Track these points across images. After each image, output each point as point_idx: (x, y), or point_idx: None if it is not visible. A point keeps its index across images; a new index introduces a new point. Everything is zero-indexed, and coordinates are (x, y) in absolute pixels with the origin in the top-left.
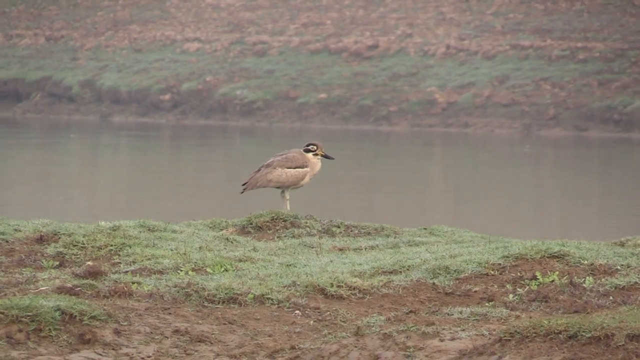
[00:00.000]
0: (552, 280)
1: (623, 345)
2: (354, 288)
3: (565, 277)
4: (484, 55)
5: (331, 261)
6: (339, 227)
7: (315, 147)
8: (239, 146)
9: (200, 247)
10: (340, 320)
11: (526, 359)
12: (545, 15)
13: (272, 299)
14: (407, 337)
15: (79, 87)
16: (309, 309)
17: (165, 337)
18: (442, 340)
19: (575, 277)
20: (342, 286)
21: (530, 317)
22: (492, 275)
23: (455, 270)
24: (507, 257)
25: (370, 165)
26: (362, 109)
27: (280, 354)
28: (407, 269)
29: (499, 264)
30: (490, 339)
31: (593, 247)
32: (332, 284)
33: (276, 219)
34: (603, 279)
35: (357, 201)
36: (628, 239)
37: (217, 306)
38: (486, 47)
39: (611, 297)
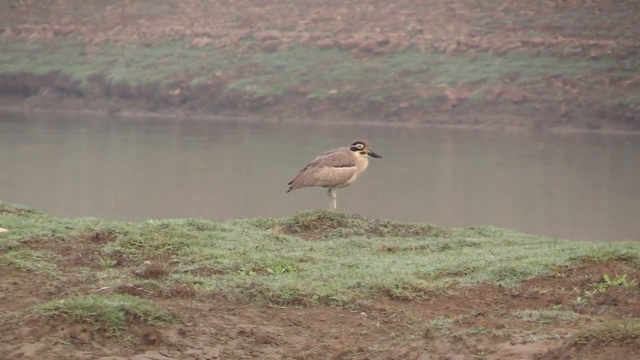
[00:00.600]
0: (621, 283)
1: None
2: (420, 290)
3: (633, 280)
4: (494, 51)
5: (394, 262)
6: (386, 226)
7: (362, 146)
8: (261, 142)
9: (257, 247)
10: (407, 323)
11: None
12: (556, 12)
13: (337, 301)
14: (478, 340)
15: (88, 82)
16: (374, 311)
17: (231, 338)
18: (513, 344)
19: None
20: (408, 288)
21: (601, 321)
22: (559, 277)
23: (521, 273)
24: (573, 259)
25: (399, 162)
26: (373, 105)
27: (348, 356)
28: (472, 271)
29: (566, 267)
30: (564, 342)
31: None
32: (397, 285)
33: (323, 218)
34: None
35: (391, 199)
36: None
37: (282, 307)
38: (497, 43)
39: None
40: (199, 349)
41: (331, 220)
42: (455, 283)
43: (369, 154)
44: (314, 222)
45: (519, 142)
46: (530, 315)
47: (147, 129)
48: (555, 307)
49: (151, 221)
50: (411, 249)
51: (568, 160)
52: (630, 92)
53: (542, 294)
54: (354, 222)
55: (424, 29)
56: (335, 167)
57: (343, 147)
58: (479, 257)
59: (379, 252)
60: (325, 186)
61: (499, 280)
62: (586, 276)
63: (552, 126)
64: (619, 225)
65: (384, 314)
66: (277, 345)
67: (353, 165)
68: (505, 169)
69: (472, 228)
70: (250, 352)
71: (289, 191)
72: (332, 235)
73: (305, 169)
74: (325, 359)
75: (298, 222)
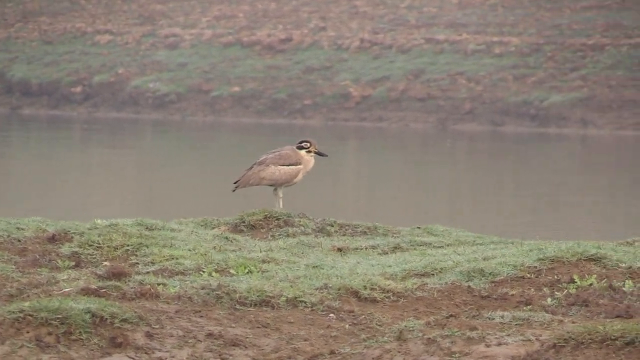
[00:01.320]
0: (591, 284)
1: None
2: (388, 291)
3: (604, 281)
4: (398, 49)
5: (358, 263)
6: (332, 225)
7: (308, 144)
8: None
9: (215, 248)
10: (376, 324)
11: None
12: (460, 9)
13: (305, 302)
14: (452, 342)
15: None
16: (343, 313)
17: (199, 340)
18: (488, 346)
19: (614, 280)
20: (376, 289)
21: (574, 322)
22: (528, 278)
23: (490, 273)
24: (542, 260)
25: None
26: (276, 103)
27: (319, 359)
28: (440, 272)
29: (535, 267)
30: (541, 344)
31: (630, 249)
32: (365, 286)
33: (269, 218)
34: None
35: (298, 196)
36: (635, 239)
37: (250, 309)
38: (401, 40)
39: None
40: (166, 351)
41: (277, 219)
42: (424, 284)
43: (315, 152)
44: (260, 222)
45: (423, 139)
46: (502, 317)
47: (48, 126)
48: (525, 308)
49: (99, 221)
50: (361, 248)
51: (475, 158)
52: (534, 90)
53: (512, 294)
54: (300, 221)
55: (327, 26)
56: (281, 165)
57: (289, 145)
58: (445, 257)
59: (334, 253)
60: (271, 185)
61: (467, 281)
62: (555, 277)
63: (456, 123)
64: (528, 221)
65: (353, 316)
66: (246, 347)
67: (299, 164)
68: (414, 166)
69: (418, 227)
70: (219, 355)
71: (234, 190)
72: (279, 235)
73: (251, 167)
74: None
75: (244, 222)
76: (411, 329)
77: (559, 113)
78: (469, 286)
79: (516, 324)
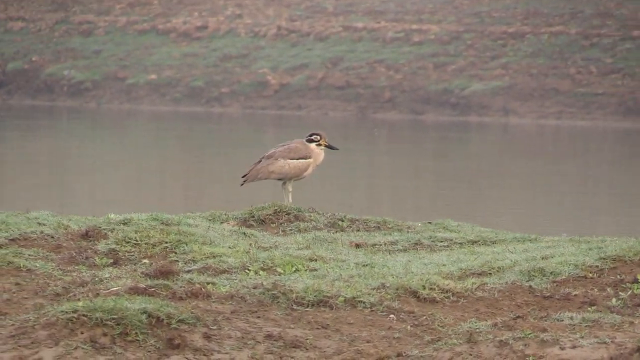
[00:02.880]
0: None
1: None
2: (447, 291)
3: None
4: (316, 36)
5: (410, 261)
6: (343, 220)
7: (318, 137)
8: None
9: (250, 245)
10: (439, 325)
11: None
12: None
13: (364, 302)
14: (525, 344)
15: None
16: (403, 313)
17: (258, 342)
18: (562, 349)
19: None
20: (435, 289)
21: (634, 323)
22: (591, 278)
23: (551, 273)
24: (604, 259)
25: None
26: (193, 91)
27: None
28: (498, 271)
29: (597, 266)
30: (624, 347)
31: None
32: (424, 286)
33: (279, 212)
34: None
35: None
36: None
37: (307, 309)
38: (318, 28)
39: None
40: (225, 353)
41: (288, 214)
42: (483, 284)
43: (325, 146)
44: (270, 217)
45: (343, 128)
46: (571, 318)
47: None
48: (590, 309)
49: (112, 215)
50: (380, 244)
51: (398, 146)
52: (454, 78)
53: (575, 295)
54: (311, 216)
55: (243, 14)
56: (290, 159)
57: (299, 139)
58: (501, 256)
59: (354, 248)
60: (280, 179)
61: (528, 281)
62: (618, 276)
63: (377, 112)
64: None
65: (414, 317)
66: (307, 349)
67: (309, 157)
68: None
69: (429, 222)
70: (280, 357)
71: (242, 184)
72: (291, 230)
73: (259, 161)
74: None
75: (253, 217)
76: (479, 330)
77: (480, 102)
78: (530, 286)
79: (586, 326)
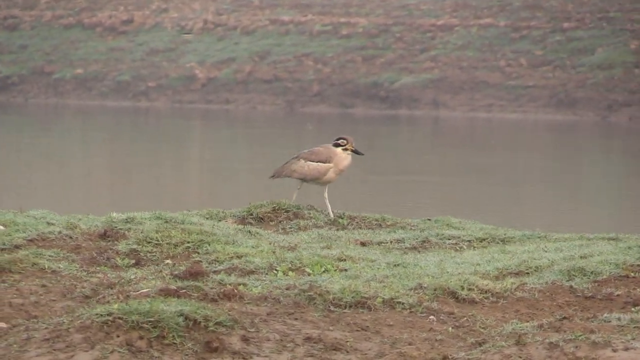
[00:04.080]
0: None
1: None
2: (486, 291)
3: None
4: (243, 30)
5: (442, 260)
6: (342, 217)
7: (345, 142)
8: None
9: (271, 243)
10: (480, 327)
11: None
12: None
13: (402, 303)
14: (576, 347)
15: None
16: (443, 314)
17: (297, 345)
18: (615, 351)
19: None
20: (474, 289)
21: None
22: (633, 277)
23: (592, 272)
24: None
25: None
26: (120, 85)
27: None
28: (536, 270)
29: (639, 266)
30: None
31: None
32: (462, 286)
33: (278, 210)
34: None
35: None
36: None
37: (345, 311)
38: (245, 22)
39: None
40: (265, 356)
41: (287, 212)
42: (523, 284)
43: (352, 150)
44: (268, 214)
45: (271, 122)
46: (619, 319)
47: None
48: (633, 309)
49: (114, 214)
50: (386, 242)
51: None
52: (383, 71)
53: (618, 295)
54: (310, 213)
55: (169, 8)
56: (310, 161)
57: (327, 143)
58: (537, 255)
59: (359, 247)
60: (301, 179)
61: (568, 281)
62: None
63: (305, 106)
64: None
65: (454, 318)
66: (348, 352)
67: (329, 162)
68: (260, 147)
69: (429, 219)
70: None
71: (271, 177)
72: (291, 228)
73: (289, 160)
74: None
75: (252, 214)
76: (526, 332)
77: (410, 95)
78: (570, 286)
79: (635, 327)
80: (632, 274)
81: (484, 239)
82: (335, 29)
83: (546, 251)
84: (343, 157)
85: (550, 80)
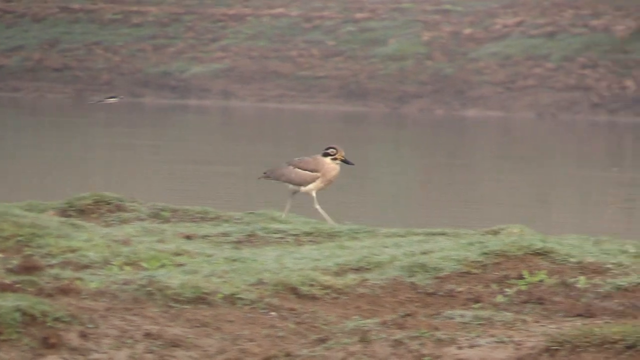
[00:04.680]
0: (541, 280)
1: None
2: (328, 287)
3: (555, 277)
4: (32, 17)
5: (281, 255)
6: (165, 210)
7: (334, 151)
8: None
9: (104, 236)
10: (321, 323)
11: None
12: None
13: (243, 299)
14: (421, 344)
15: None
16: (284, 310)
17: (137, 341)
18: (460, 348)
19: (566, 276)
20: (315, 285)
21: (537, 322)
22: (474, 274)
23: (433, 268)
24: (487, 254)
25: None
26: None
27: None
28: (377, 266)
29: (480, 262)
30: (532, 348)
31: (577, 243)
32: (303, 282)
33: (99, 202)
34: (596, 279)
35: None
36: (501, 227)
37: (185, 306)
38: (35, 9)
39: (616, 300)
40: (103, 353)
41: (108, 204)
42: (364, 280)
43: (341, 160)
44: (90, 207)
45: (59, 110)
46: (462, 316)
47: None
48: (475, 306)
49: None
50: (211, 236)
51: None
52: (173, 61)
53: (459, 291)
54: (132, 206)
55: None
56: (299, 169)
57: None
58: (378, 250)
59: (184, 240)
60: (289, 184)
61: (410, 277)
62: (503, 272)
63: (94, 95)
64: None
65: (295, 314)
66: (188, 348)
67: (317, 171)
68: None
69: (252, 212)
70: (161, 357)
71: (259, 178)
72: (112, 220)
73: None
74: None
75: (73, 207)
76: (367, 328)
77: (200, 84)
78: (412, 282)
79: (479, 324)
80: (474, 271)
81: (311, 233)
82: (125, 18)
83: (386, 247)
84: (332, 167)
85: (341, 71)
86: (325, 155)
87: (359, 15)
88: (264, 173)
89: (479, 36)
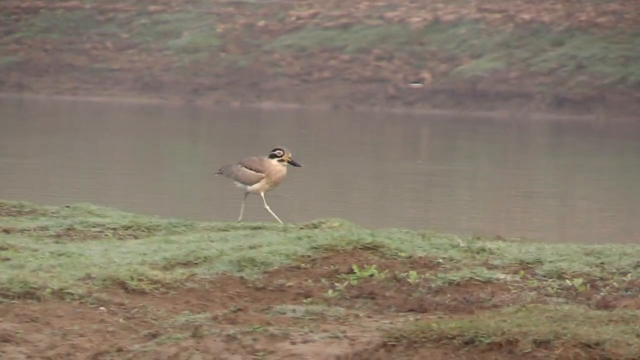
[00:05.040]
0: (371, 275)
1: (530, 352)
2: (157, 282)
3: (386, 271)
4: None
5: (106, 250)
6: None
7: (281, 153)
8: None
9: None
10: (151, 318)
11: None
12: None
13: (72, 294)
14: (254, 339)
15: None
16: (113, 305)
17: None
18: (293, 344)
19: (397, 271)
20: (144, 280)
21: (370, 317)
22: (304, 268)
23: (262, 263)
24: (316, 248)
25: None
26: None
27: (106, 357)
28: (205, 261)
29: (309, 256)
30: (369, 344)
31: (406, 237)
32: (132, 277)
33: None
34: (428, 274)
35: None
36: (321, 221)
37: (14, 301)
38: None
39: (448, 295)
40: None
41: None
42: (193, 274)
43: (288, 162)
44: None
45: None
46: (294, 311)
47: None
48: (305, 300)
49: None
50: (29, 230)
51: None
52: None
53: (289, 286)
54: None
55: None
56: (245, 167)
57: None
58: (206, 245)
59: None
60: (237, 182)
61: (239, 271)
62: (332, 267)
63: None
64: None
65: (125, 309)
66: (19, 344)
67: (261, 172)
68: None
69: (67, 206)
70: None
71: (214, 174)
72: None
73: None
74: (76, 359)
75: None
76: (198, 323)
77: None
78: (241, 277)
79: (310, 319)
80: (303, 265)
81: (130, 227)
82: None
83: (212, 241)
84: (278, 169)
85: (135, 63)
86: (272, 156)
87: (152, 7)
88: (219, 169)
89: (273, 28)
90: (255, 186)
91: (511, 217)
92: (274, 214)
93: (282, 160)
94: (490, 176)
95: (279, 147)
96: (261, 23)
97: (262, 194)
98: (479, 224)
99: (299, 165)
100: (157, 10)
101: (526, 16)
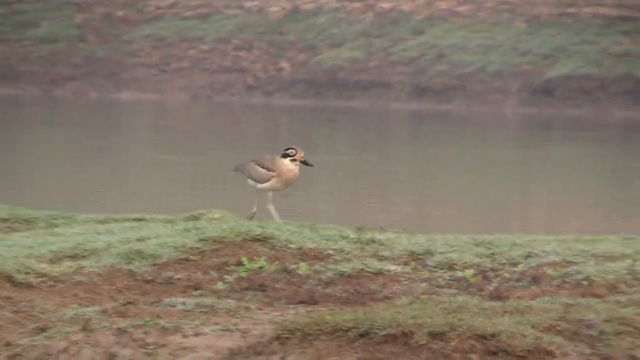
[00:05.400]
0: (261, 267)
1: (426, 344)
2: (44, 275)
3: (276, 263)
4: None
5: None
6: None
7: (293, 152)
8: None
9: None
10: (39, 312)
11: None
12: None
13: None
14: (145, 332)
15: None
16: (0, 299)
17: None
18: (185, 337)
19: (287, 262)
20: (31, 273)
21: (261, 309)
22: (193, 260)
23: (150, 255)
24: (204, 240)
25: None
26: None
27: None
28: (93, 253)
29: (198, 248)
30: (263, 337)
31: (295, 229)
32: (19, 270)
33: None
34: (318, 265)
35: None
36: (202, 212)
37: None
38: None
39: (339, 286)
40: None
41: None
42: (81, 267)
43: (300, 161)
44: None
45: None
46: (184, 304)
47: None
48: (195, 293)
49: None
50: None
51: None
52: None
53: (178, 278)
54: None
55: None
56: (258, 166)
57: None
58: (92, 237)
59: None
60: (249, 180)
61: (127, 264)
62: (221, 259)
63: None
64: None
65: (12, 303)
66: None
67: (272, 171)
68: None
69: None
70: None
71: (231, 171)
72: None
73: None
74: None
75: None
76: (87, 317)
77: None
78: (130, 270)
79: (201, 312)
80: (192, 257)
81: (7, 219)
82: None
83: (99, 234)
84: (289, 169)
85: None
86: (285, 156)
87: None
88: (235, 167)
89: (132, 18)
90: (266, 185)
91: (370, 207)
92: (275, 214)
93: (294, 160)
94: (348, 165)
95: (292, 147)
96: (120, 13)
97: (270, 192)
98: (340, 214)
99: (311, 165)
100: (15, 0)
101: (386, 5)
